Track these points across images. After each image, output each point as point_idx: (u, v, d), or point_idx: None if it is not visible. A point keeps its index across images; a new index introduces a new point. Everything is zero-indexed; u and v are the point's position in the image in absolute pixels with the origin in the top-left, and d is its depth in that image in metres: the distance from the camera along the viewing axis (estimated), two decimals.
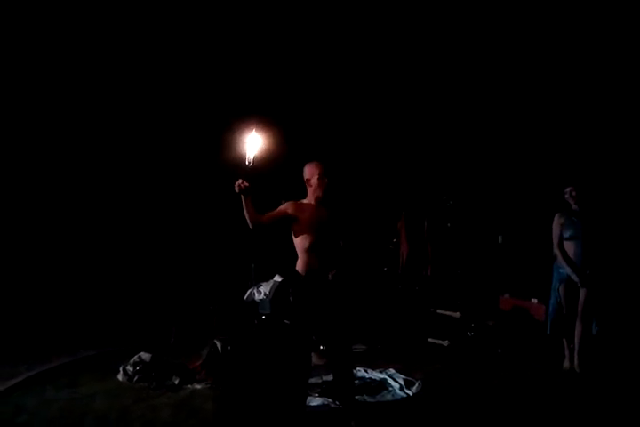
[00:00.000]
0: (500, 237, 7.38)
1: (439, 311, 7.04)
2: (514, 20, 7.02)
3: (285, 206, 4.10)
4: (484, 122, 7.85)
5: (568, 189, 5.40)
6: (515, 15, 6.94)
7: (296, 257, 4.15)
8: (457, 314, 6.84)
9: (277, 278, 6.35)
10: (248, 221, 3.97)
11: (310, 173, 4.13)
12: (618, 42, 6.74)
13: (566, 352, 5.52)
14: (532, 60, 7.30)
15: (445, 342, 6.59)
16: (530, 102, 7.55)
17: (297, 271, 4.10)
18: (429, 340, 6.71)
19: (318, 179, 4.10)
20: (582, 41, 6.92)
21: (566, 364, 5.51)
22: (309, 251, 4.03)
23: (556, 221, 5.48)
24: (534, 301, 6.65)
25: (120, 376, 5.27)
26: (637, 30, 6.55)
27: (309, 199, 4.17)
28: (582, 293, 5.34)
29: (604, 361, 5.48)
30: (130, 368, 5.28)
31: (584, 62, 7.07)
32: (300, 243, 4.07)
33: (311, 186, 4.14)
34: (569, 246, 5.40)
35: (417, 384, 5.03)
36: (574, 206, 5.41)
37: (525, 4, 6.81)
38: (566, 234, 5.39)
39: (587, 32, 6.81)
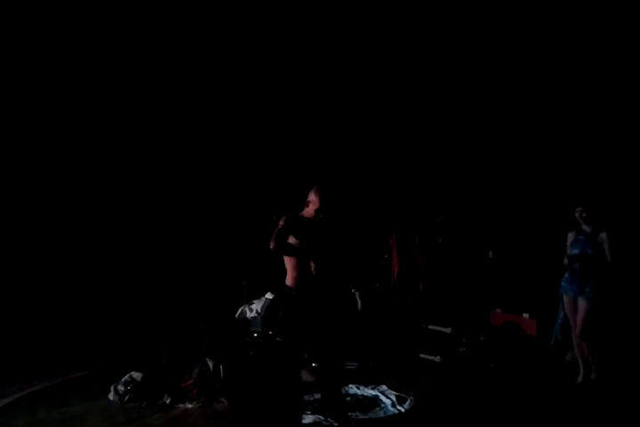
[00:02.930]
0: (490, 253, 7.41)
1: (431, 327, 7.04)
2: (514, 22, 7.06)
3: (280, 225, 4.11)
4: (474, 138, 7.90)
5: (579, 210, 5.46)
6: (515, 16, 6.98)
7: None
8: (448, 329, 6.85)
9: (269, 296, 6.34)
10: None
11: (313, 201, 4.18)
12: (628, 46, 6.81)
13: (580, 367, 5.55)
14: (530, 67, 7.36)
15: (437, 358, 6.59)
16: (521, 118, 7.61)
17: (287, 286, 4.13)
18: (421, 356, 6.70)
19: (315, 210, 4.15)
20: (590, 45, 6.95)
21: (579, 379, 5.52)
22: (301, 266, 4.07)
23: (568, 239, 5.59)
24: (526, 315, 6.68)
25: (111, 396, 5.24)
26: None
27: (305, 213, 4.22)
28: (580, 310, 5.40)
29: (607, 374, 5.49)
30: (121, 388, 5.26)
31: (586, 70, 7.12)
32: (291, 258, 4.11)
33: (307, 208, 4.20)
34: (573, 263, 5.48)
35: (409, 401, 5.02)
36: (584, 226, 5.48)
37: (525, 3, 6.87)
38: (571, 252, 5.49)
39: (594, 34, 6.86)
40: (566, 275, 5.54)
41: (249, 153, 8.11)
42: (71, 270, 7.62)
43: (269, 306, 6.16)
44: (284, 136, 8.10)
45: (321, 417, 4.59)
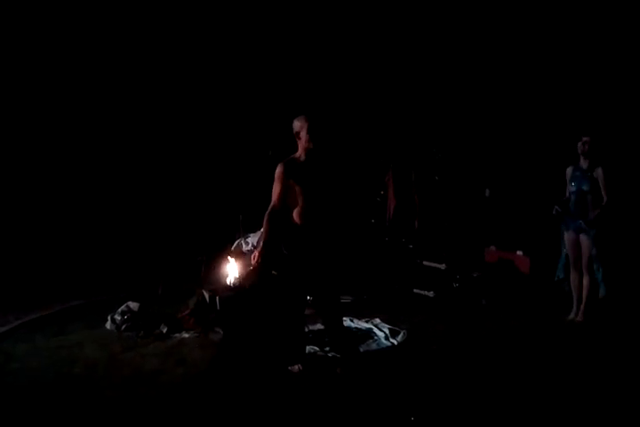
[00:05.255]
0: (487, 191, 7.40)
1: (425, 263, 7.09)
2: None
3: (281, 174, 4.09)
4: (472, 76, 7.78)
5: (584, 139, 5.36)
6: None
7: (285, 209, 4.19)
8: (443, 266, 6.90)
9: None
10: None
11: (300, 126, 4.14)
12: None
13: (574, 305, 5.60)
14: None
15: (431, 293, 6.66)
16: (520, 55, 7.47)
17: (293, 223, 4.12)
18: (415, 291, 6.77)
19: (307, 132, 4.10)
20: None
21: (571, 316, 5.60)
22: (306, 204, 4.07)
23: (567, 175, 5.55)
24: (519, 253, 6.73)
25: (108, 325, 5.31)
26: None
27: (300, 153, 4.18)
28: (583, 247, 5.41)
29: (605, 315, 5.55)
30: (118, 317, 5.33)
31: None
32: (296, 197, 4.10)
33: (300, 139, 4.15)
34: (572, 199, 5.48)
35: (402, 334, 5.11)
36: (581, 161, 5.43)
37: None
38: (569, 188, 5.47)
39: None
40: (566, 211, 5.51)
41: (245, 89, 8.02)
42: (70, 202, 7.61)
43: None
44: (282, 70, 7.98)
45: (315, 348, 4.67)
